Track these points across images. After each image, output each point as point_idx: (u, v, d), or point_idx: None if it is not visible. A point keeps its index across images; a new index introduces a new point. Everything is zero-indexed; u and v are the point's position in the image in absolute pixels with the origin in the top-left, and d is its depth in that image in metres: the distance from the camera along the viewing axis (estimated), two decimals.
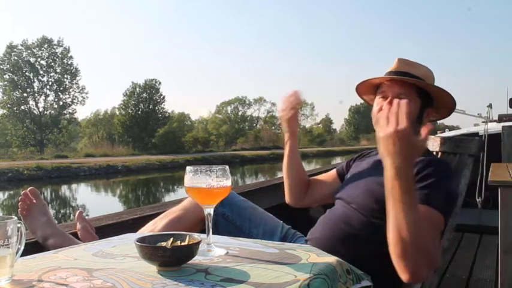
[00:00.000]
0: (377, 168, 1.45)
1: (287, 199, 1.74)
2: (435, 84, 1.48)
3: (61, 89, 32.58)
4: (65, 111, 33.24)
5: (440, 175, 1.29)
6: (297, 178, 1.70)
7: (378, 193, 1.35)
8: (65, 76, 32.86)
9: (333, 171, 1.73)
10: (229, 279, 0.81)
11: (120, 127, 35.49)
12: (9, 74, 31.20)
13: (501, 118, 5.75)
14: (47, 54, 32.32)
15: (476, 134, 5.12)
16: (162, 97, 37.02)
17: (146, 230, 1.56)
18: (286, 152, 1.69)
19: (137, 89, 36.38)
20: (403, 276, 1.10)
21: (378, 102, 1.46)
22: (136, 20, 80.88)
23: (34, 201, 1.65)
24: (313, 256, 0.96)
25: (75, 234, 1.65)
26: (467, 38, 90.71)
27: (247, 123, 51.87)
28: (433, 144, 1.70)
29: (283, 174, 1.73)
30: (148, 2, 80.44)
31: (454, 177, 1.38)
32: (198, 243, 0.90)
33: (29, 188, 1.69)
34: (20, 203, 1.65)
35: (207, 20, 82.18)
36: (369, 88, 1.54)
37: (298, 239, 1.54)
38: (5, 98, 31.06)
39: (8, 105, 31.21)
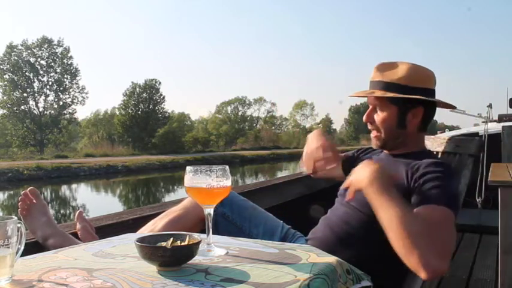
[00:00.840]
0: None
1: None
2: (428, 76, 1.45)
3: (61, 89, 32.59)
4: (65, 111, 33.25)
5: (444, 175, 1.29)
6: None
7: None
8: (65, 76, 32.86)
9: (341, 155, 1.76)
10: (229, 279, 0.81)
11: (120, 127, 35.48)
12: (9, 74, 31.20)
13: (501, 118, 5.74)
14: (47, 54, 32.34)
15: (476, 134, 5.11)
16: (162, 97, 37.06)
17: (146, 230, 1.56)
18: None
19: (137, 89, 36.39)
20: (421, 274, 1.07)
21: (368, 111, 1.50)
22: (136, 20, 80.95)
23: (34, 201, 1.65)
24: (313, 256, 0.95)
25: (75, 234, 1.64)
26: (467, 38, 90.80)
27: (247, 123, 51.86)
28: (433, 144, 1.69)
29: None
30: (148, 2, 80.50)
31: (456, 178, 1.39)
32: (198, 243, 0.90)
33: (29, 188, 1.69)
34: (20, 203, 1.65)
35: (207, 20, 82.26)
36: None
37: (298, 239, 1.54)
38: (5, 98, 31.08)
39: (8, 105, 31.22)
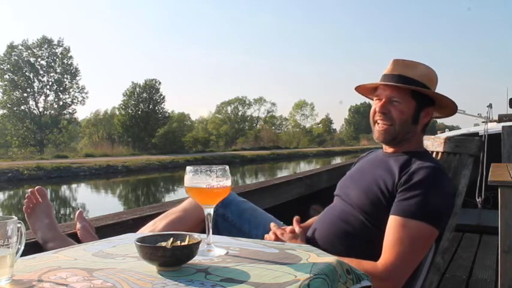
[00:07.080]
0: (376, 168, 1.45)
1: None
2: (437, 81, 1.48)
3: (61, 89, 32.56)
4: (65, 111, 33.23)
5: (429, 187, 1.30)
6: None
7: (373, 195, 1.36)
8: (65, 76, 32.84)
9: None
10: (229, 279, 0.81)
11: (120, 127, 35.46)
12: (9, 74, 31.18)
13: (501, 118, 5.74)
14: (47, 54, 32.32)
15: (476, 134, 5.11)
16: (162, 97, 37.05)
17: (146, 230, 1.56)
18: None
19: (137, 89, 36.37)
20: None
21: (374, 103, 1.50)
22: (136, 20, 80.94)
23: (40, 200, 1.65)
24: (313, 256, 0.95)
25: (75, 234, 1.64)
26: (467, 38, 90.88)
27: (247, 123, 51.84)
28: (433, 144, 1.69)
29: None
30: (148, 2, 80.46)
31: (442, 188, 1.34)
32: (198, 243, 0.90)
33: (37, 187, 1.68)
34: (25, 200, 1.64)
35: (207, 20, 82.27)
36: (368, 90, 1.58)
37: None
38: (5, 98, 31.05)
39: (8, 105, 31.19)
